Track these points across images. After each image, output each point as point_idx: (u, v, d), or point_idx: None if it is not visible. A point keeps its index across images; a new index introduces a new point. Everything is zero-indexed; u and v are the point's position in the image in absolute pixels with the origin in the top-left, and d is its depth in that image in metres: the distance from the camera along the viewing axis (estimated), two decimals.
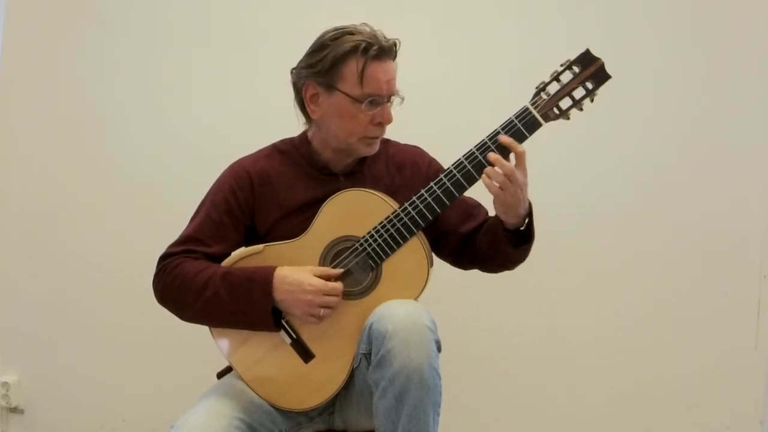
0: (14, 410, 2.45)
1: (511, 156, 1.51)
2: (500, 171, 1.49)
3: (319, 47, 1.59)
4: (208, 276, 1.55)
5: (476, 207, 1.72)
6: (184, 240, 1.63)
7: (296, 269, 1.54)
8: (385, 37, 1.58)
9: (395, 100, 1.60)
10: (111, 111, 2.37)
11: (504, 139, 1.50)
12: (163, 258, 1.62)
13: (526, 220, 1.58)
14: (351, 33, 1.56)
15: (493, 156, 1.50)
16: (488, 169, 1.50)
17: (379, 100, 1.56)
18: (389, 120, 1.60)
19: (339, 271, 1.56)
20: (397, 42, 1.59)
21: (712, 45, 2.22)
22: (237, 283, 1.54)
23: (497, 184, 1.49)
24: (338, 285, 1.54)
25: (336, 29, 1.59)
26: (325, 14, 2.22)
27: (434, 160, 1.75)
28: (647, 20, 2.23)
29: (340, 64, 1.55)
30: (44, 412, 2.44)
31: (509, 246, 1.58)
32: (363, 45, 1.54)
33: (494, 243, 1.60)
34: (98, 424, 2.42)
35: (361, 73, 1.54)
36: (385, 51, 1.56)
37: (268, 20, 2.30)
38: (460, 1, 2.27)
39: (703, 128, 2.23)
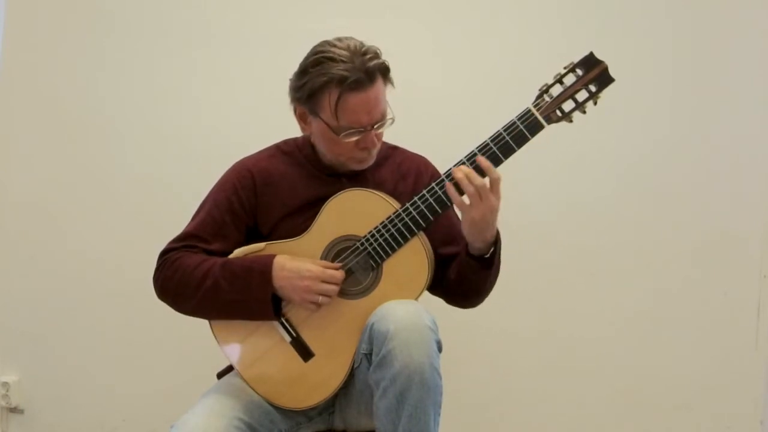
0: (14, 410, 2.45)
1: (487, 180, 1.48)
2: (471, 184, 1.47)
3: (301, 72, 1.56)
4: (208, 267, 1.56)
5: (462, 237, 1.64)
6: (184, 236, 1.64)
7: (296, 257, 1.55)
8: (372, 57, 1.52)
9: (387, 121, 1.57)
10: (111, 110, 2.37)
11: (482, 161, 1.49)
12: (164, 253, 1.63)
13: (492, 250, 1.56)
14: (332, 59, 1.51)
15: (465, 169, 1.49)
16: (461, 178, 1.48)
17: (360, 130, 1.54)
18: (373, 146, 1.58)
19: (338, 264, 1.56)
20: (384, 63, 1.54)
21: (712, 43, 2.22)
22: (236, 271, 1.55)
23: (467, 199, 1.48)
24: (337, 273, 1.54)
25: (317, 52, 1.54)
26: (325, 15, 2.24)
27: (438, 173, 1.72)
28: (645, 21, 2.23)
29: (317, 95, 1.53)
30: (44, 412, 2.44)
31: (469, 269, 1.57)
32: (337, 78, 1.49)
33: (460, 270, 1.59)
34: (98, 424, 2.42)
35: (335, 107, 1.51)
36: (367, 78, 1.50)
37: (269, 20, 2.30)
38: (460, 2, 2.27)
39: (703, 127, 2.23)
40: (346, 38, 1.56)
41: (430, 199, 1.53)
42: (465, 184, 1.48)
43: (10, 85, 2.40)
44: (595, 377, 2.28)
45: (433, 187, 1.53)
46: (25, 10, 2.38)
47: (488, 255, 1.56)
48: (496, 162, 1.51)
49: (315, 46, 1.57)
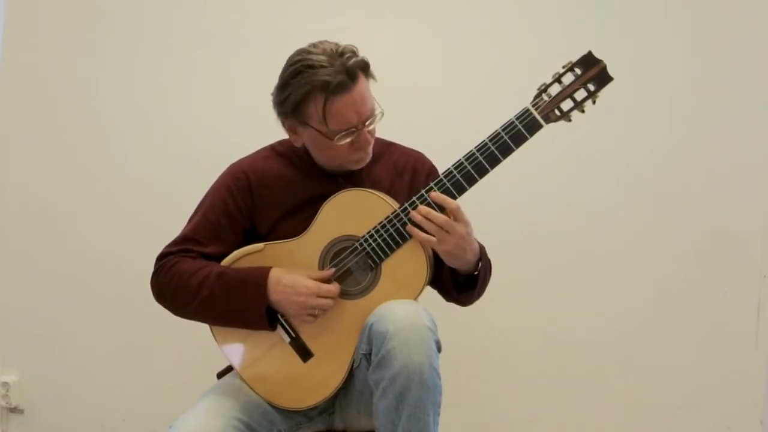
0: (14, 410, 2.45)
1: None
2: (432, 223, 1.49)
3: (282, 85, 1.55)
4: (204, 276, 1.56)
5: None
6: (181, 240, 1.64)
7: (291, 270, 1.55)
8: (350, 56, 1.50)
9: (376, 116, 1.57)
10: (111, 111, 2.38)
11: (435, 196, 1.50)
12: (160, 258, 1.63)
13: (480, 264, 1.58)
14: (311, 66, 1.49)
15: (423, 209, 1.50)
16: (420, 221, 1.49)
17: (352, 130, 1.54)
18: (368, 143, 1.58)
19: (331, 271, 1.56)
20: (363, 60, 1.53)
21: (712, 43, 2.22)
22: (232, 283, 1.55)
23: (433, 238, 1.49)
24: (332, 287, 1.54)
25: (295, 62, 1.53)
26: (325, 15, 2.24)
27: (435, 168, 1.73)
28: (645, 21, 2.22)
29: (302, 106, 1.53)
30: (44, 412, 2.44)
31: (454, 290, 1.61)
32: (320, 84, 1.48)
33: (446, 289, 1.63)
34: (98, 424, 2.42)
35: (323, 112, 1.51)
36: (349, 78, 1.49)
37: (269, 20, 2.30)
38: (460, 3, 2.27)
39: (703, 127, 2.23)
40: (320, 42, 1.54)
41: (429, 199, 1.52)
42: (427, 225, 1.49)
43: (10, 85, 2.40)
44: (595, 377, 2.28)
45: (431, 187, 1.53)
46: (25, 10, 2.38)
47: (477, 271, 1.58)
48: (495, 162, 1.51)
49: (291, 57, 1.56)
